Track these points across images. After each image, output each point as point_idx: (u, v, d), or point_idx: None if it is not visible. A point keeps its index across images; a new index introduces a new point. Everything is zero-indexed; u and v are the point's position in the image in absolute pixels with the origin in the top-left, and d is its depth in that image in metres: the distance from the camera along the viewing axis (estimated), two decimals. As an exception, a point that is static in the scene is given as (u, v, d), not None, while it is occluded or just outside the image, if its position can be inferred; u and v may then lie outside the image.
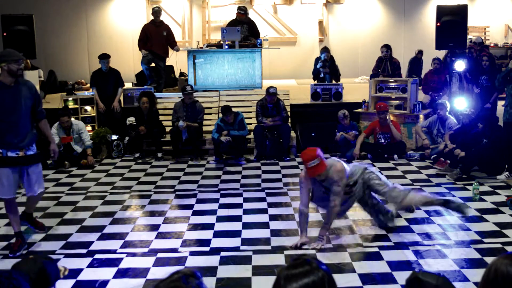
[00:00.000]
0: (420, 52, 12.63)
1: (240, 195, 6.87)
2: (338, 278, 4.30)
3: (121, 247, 5.20)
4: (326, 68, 11.24)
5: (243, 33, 10.65)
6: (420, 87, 10.56)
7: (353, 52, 14.45)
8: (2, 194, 5.02)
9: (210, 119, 9.74)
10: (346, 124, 8.91)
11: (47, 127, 5.43)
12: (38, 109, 5.16)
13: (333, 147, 9.01)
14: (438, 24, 9.36)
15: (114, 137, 9.16)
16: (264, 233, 5.47)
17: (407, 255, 4.87)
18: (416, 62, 12.53)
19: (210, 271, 4.58)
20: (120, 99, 9.79)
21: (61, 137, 8.53)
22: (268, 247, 5.12)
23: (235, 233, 5.49)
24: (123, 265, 4.78)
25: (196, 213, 6.19)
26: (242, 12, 10.96)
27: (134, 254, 5.02)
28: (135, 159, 8.94)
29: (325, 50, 11.48)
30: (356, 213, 5.89)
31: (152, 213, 6.24)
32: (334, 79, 11.28)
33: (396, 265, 4.64)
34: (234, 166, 8.41)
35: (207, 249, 5.12)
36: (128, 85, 10.74)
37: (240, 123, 8.66)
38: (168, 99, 10.02)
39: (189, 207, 6.41)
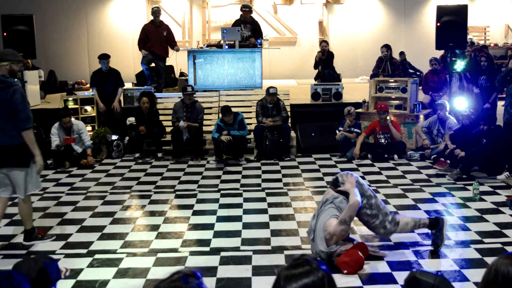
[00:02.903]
0: (401, 54, 12.50)
1: (240, 195, 6.87)
2: (338, 278, 4.32)
3: (121, 247, 5.20)
4: (319, 57, 11.43)
5: (246, 33, 10.62)
6: (420, 87, 10.56)
7: (353, 52, 14.44)
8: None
9: (210, 119, 9.74)
10: (350, 121, 8.93)
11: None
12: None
13: (328, 147, 9.04)
14: (438, 24, 9.34)
15: (114, 137, 9.16)
16: (264, 233, 5.47)
17: (407, 255, 4.87)
18: (402, 65, 12.35)
19: (210, 271, 4.58)
20: (120, 99, 9.79)
21: (64, 138, 8.52)
22: (268, 247, 5.12)
23: (235, 233, 5.50)
24: (123, 265, 4.78)
25: (196, 213, 6.19)
26: (248, 9, 10.91)
27: (134, 254, 5.03)
28: (135, 159, 8.94)
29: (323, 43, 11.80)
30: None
31: (152, 213, 6.24)
32: (330, 67, 11.30)
33: (396, 265, 4.64)
34: (234, 166, 8.41)
35: (207, 249, 5.12)
36: (128, 85, 10.74)
37: (240, 123, 8.66)
38: (168, 99, 10.02)
39: (189, 207, 6.41)
